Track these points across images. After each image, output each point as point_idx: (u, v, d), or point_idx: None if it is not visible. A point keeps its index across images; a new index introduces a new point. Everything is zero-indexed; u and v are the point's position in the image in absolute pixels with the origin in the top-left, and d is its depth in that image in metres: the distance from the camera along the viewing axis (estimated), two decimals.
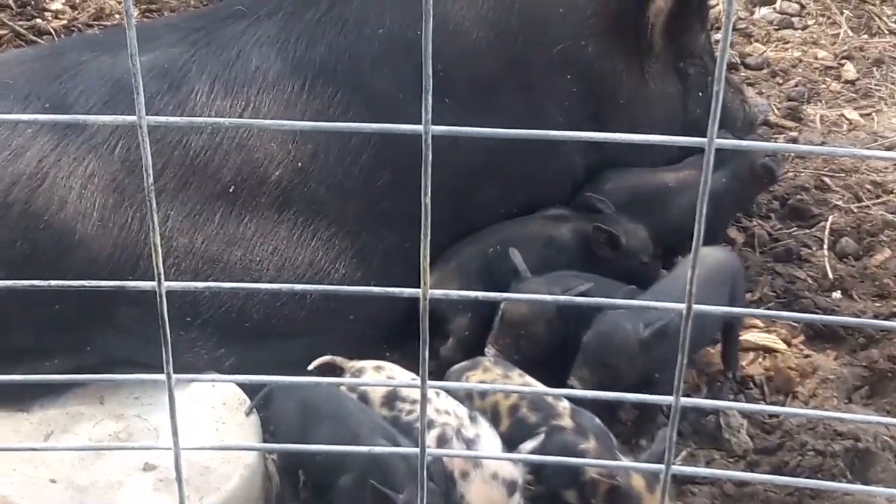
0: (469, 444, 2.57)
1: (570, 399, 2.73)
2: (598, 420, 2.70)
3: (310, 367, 2.89)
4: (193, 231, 2.89)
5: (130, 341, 2.83)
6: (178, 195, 2.90)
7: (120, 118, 1.28)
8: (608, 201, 3.36)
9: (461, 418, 2.63)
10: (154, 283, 1.28)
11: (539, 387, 2.77)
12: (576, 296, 2.91)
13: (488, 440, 2.60)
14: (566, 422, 2.66)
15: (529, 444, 2.54)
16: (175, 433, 1.37)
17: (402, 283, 1.42)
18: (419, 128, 1.19)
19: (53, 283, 1.39)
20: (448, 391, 2.74)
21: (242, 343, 2.94)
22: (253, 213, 2.96)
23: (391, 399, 2.76)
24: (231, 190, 2.93)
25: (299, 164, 2.99)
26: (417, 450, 1.37)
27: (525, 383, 2.79)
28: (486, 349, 3.00)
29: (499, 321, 3.01)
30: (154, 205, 1.26)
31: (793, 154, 4.05)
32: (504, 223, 3.30)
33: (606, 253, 3.24)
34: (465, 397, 2.77)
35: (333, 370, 2.91)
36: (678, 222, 3.37)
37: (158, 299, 1.28)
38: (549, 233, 3.30)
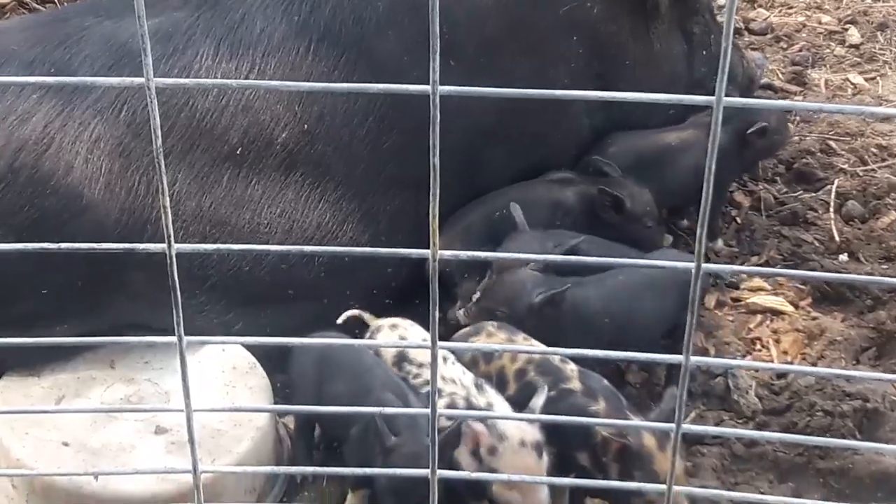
0: None
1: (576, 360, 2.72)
2: (606, 381, 2.71)
3: (338, 321, 2.90)
4: (201, 194, 2.89)
5: (140, 306, 2.83)
6: (185, 157, 2.89)
7: (128, 80, 1.26)
8: (614, 164, 3.35)
9: (468, 388, 2.62)
10: (164, 245, 1.27)
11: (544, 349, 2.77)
12: (569, 251, 2.92)
13: (500, 408, 2.60)
14: (575, 384, 2.66)
15: (538, 400, 2.53)
16: (187, 395, 1.36)
17: (409, 245, 1.42)
18: (427, 88, 1.18)
19: (63, 245, 1.38)
20: (455, 355, 2.74)
21: (251, 307, 2.95)
22: (260, 176, 2.95)
23: (400, 360, 2.76)
24: (238, 152, 2.92)
25: (305, 126, 2.98)
26: (428, 410, 1.37)
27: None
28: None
29: (490, 271, 3.02)
30: (163, 166, 1.25)
31: (798, 118, 4.04)
32: (510, 187, 3.30)
33: (611, 216, 3.24)
34: (470, 363, 2.77)
35: (359, 325, 2.92)
36: (682, 182, 3.35)
37: (168, 261, 1.27)
38: (554, 196, 3.29)
